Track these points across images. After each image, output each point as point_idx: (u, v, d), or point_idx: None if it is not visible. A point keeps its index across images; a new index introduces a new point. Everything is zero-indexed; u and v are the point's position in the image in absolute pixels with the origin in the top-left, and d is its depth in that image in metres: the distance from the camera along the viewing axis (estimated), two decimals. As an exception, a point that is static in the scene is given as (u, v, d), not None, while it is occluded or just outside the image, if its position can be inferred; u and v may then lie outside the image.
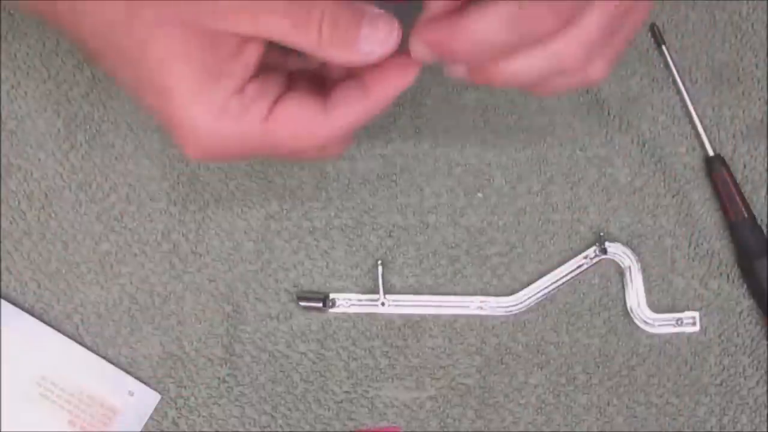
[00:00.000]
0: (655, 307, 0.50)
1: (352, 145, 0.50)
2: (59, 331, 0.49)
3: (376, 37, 0.36)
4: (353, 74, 0.39)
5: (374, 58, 0.37)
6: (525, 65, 0.35)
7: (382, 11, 0.37)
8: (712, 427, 0.50)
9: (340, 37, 0.36)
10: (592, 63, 0.36)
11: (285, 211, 0.50)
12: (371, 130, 0.50)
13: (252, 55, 0.37)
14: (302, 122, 0.37)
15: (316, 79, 0.40)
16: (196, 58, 0.35)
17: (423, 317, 0.50)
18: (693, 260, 0.50)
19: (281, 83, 0.38)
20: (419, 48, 0.36)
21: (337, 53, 0.36)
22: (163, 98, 0.36)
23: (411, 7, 0.37)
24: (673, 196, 0.51)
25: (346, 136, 0.39)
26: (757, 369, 0.50)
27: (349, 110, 0.38)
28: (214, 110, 0.36)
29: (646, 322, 0.50)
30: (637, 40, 0.51)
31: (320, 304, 0.49)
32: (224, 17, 0.35)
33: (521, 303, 0.50)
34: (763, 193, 0.51)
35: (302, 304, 0.49)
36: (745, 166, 0.51)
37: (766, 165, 0.51)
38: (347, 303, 0.50)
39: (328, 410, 0.50)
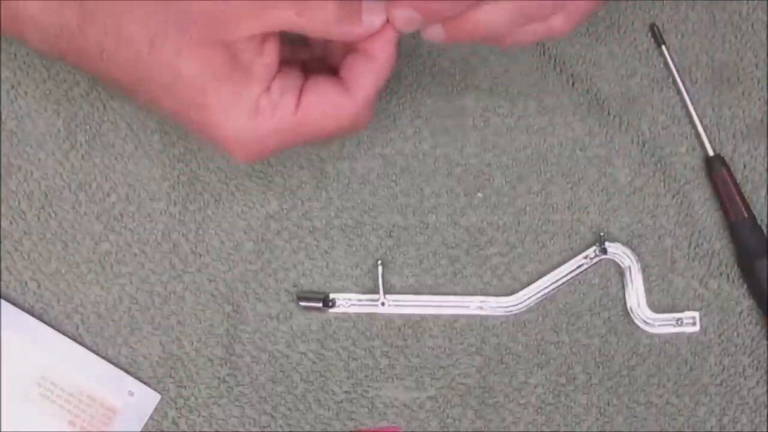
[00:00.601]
0: (655, 307, 0.50)
1: (352, 145, 0.50)
2: (59, 331, 0.49)
3: (375, 8, 0.40)
4: (351, 51, 0.42)
5: (376, 27, 0.40)
6: (493, 12, 0.39)
7: None
8: (712, 427, 0.50)
9: (345, 15, 0.39)
10: (556, 13, 0.39)
11: (285, 211, 0.50)
12: (371, 130, 0.50)
13: (270, 53, 0.40)
14: (328, 106, 0.41)
15: (324, 66, 0.43)
16: (223, 71, 0.39)
17: (423, 317, 0.50)
18: (693, 260, 0.50)
19: (299, 75, 0.41)
20: (399, 13, 0.39)
21: (345, 29, 0.40)
22: (202, 114, 0.40)
23: None
24: (673, 196, 0.51)
25: (370, 106, 0.42)
26: (757, 369, 0.50)
27: (364, 81, 0.41)
28: (249, 114, 0.40)
29: (646, 322, 0.50)
30: (637, 40, 0.51)
31: (320, 304, 0.49)
32: (237, 25, 0.38)
33: (521, 303, 0.50)
34: (763, 193, 0.51)
35: (302, 304, 0.49)
36: (745, 166, 0.51)
37: (766, 165, 0.51)
38: (347, 303, 0.50)
39: (328, 410, 0.50)
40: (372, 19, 0.40)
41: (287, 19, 0.39)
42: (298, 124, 0.41)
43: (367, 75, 0.41)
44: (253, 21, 0.39)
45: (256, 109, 0.40)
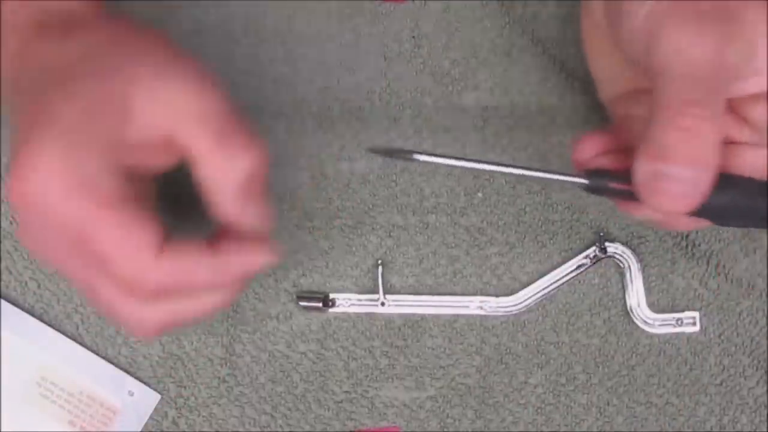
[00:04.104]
0: (655, 307, 0.50)
1: (351, 146, 0.50)
2: (59, 331, 0.49)
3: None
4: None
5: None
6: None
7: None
8: (712, 427, 0.50)
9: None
10: None
11: (285, 211, 0.50)
12: (371, 130, 0.50)
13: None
14: (132, 241, 0.33)
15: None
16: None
17: (423, 317, 0.50)
18: (693, 260, 0.50)
19: (150, 203, 0.36)
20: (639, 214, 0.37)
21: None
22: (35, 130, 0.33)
23: None
24: (673, 196, 0.51)
25: (162, 321, 0.36)
26: (757, 369, 0.50)
27: (184, 259, 0.34)
28: (71, 183, 0.33)
29: (646, 322, 0.50)
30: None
31: (320, 304, 0.49)
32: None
33: (521, 303, 0.50)
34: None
35: (302, 304, 0.49)
36: (744, 166, 0.51)
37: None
38: (347, 303, 0.50)
39: (328, 410, 0.50)
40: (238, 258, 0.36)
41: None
42: (86, 223, 0.34)
43: (192, 258, 0.35)
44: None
45: (81, 184, 0.33)
